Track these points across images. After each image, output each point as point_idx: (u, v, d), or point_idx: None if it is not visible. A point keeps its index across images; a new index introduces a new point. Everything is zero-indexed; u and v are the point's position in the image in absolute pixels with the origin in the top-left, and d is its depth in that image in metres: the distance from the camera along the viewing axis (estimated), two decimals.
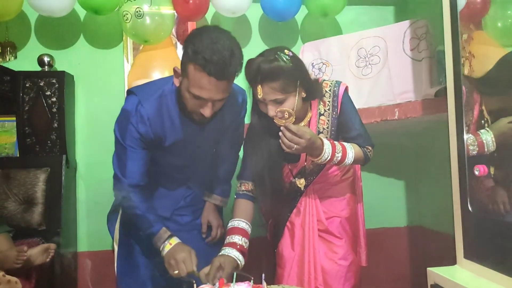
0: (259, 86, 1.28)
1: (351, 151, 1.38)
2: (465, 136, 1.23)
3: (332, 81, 1.46)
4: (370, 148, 1.46)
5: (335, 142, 1.36)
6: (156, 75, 1.87)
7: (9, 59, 1.99)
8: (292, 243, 1.56)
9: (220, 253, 1.34)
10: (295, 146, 1.24)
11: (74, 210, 2.03)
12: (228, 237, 1.40)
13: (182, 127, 1.40)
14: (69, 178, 1.94)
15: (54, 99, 1.87)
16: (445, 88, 1.34)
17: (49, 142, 1.86)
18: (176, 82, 1.31)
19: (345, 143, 1.39)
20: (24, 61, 2.02)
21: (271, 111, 1.31)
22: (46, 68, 1.93)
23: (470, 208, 1.17)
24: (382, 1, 2.39)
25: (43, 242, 1.68)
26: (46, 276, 1.61)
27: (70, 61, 2.08)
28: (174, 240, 1.33)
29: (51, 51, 2.06)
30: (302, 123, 1.43)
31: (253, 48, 2.17)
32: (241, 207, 1.47)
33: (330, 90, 1.43)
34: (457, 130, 1.24)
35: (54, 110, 1.86)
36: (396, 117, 1.78)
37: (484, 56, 1.53)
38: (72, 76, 2.05)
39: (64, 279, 1.78)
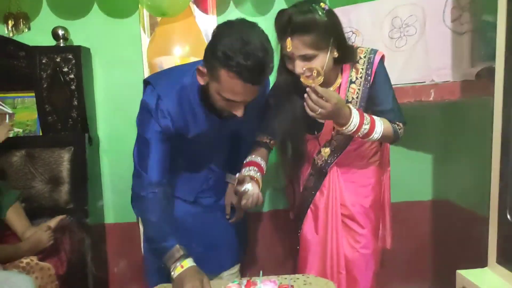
0: (289, 38, 1.21)
1: (381, 124, 1.31)
2: None
3: (368, 48, 1.37)
4: (401, 125, 1.39)
5: (364, 113, 1.29)
6: (177, 50, 1.79)
7: (23, 31, 1.92)
8: (316, 226, 1.57)
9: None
10: (319, 109, 1.17)
11: (100, 185, 2.06)
12: (244, 169, 1.39)
13: (206, 121, 1.36)
14: (93, 154, 1.94)
15: (72, 76, 1.81)
16: (488, 68, 1.22)
17: (70, 120, 1.84)
18: (201, 81, 1.24)
19: (374, 116, 1.32)
20: (38, 32, 1.95)
21: (299, 67, 1.23)
22: (61, 41, 1.85)
23: (509, 217, 1.11)
24: None
25: (71, 219, 1.73)
26: (76, 255, 1.67)
27: (85, 31, 1.98)
28: (187, 263, 1.21)
29: (64, 22, 1.96)
30: (331, 88, 1.35)
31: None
32: (256, 148, 1.46)
33: (365, 57, 1.35)
34: (503, 106, 1.07)
35: (73, 87, 1.82)
36: (431, 98, 1.67)
37: None
38: (89, 49, 1.97)
39: (94, 253, 1.85)
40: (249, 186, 1.29)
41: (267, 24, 2.12)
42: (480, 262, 1.18)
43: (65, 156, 1.80)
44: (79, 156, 1.82)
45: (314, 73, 1.21)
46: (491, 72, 1.17)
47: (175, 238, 1.26)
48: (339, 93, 1.36)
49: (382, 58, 1.37)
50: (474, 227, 1.43)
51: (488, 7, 1.61)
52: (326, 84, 1.31)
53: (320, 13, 1.20)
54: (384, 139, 1.39)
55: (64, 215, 1.50)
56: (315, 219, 1.56)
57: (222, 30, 1.17)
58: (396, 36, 1.87)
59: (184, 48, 1.79)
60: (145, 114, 1.34)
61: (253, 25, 1.18)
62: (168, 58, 1.75)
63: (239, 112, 1.22)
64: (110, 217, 2.12)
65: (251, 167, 1.38)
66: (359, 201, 1.50)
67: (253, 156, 1.43)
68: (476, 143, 1.80)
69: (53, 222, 1.50)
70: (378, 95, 1.37)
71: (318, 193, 1.53)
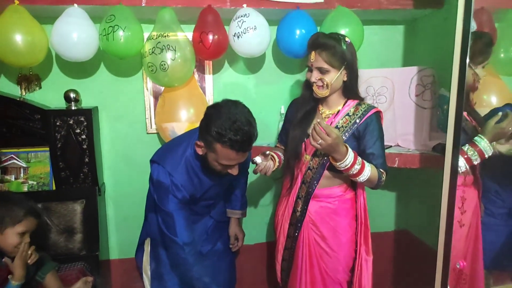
0: (313, 52, 1.55)
1: (369, 170, 1.53)
2: (464, 148, 1.47)
3: (372, 104, 1.67)
4: (384, 174, 1.61)
5: (358, 156, 1.53)
6: (184, 114, 2.02)
7: (34, 90, 2.08)
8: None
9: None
10: (320, 140, 1.40)
11: (106, 226, 2.29)
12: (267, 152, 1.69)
13: (210, 181, 1.66)
14: (100, 200, 2.16)
15: (84, 137, 2.00)
16: (442, 145, 1.55)
17: (81, 174, 2.04)
18: (200, 151, 1.51)
19: (366, 162, 1.55)
20: (48, 91, 2.11)
21: (314, 77, 1.56)
22: (73, 104, 2.03)
23: None
24: (393, 21, 2.44)
25: (86, 267, 1.96)
26: None
27: (93, 89, 2.17)
28: None
29: (73, 81, 2.14)
30: (331, 111, 1.65)
31: (265, 73, 2.30)
32: (275, 149, 1.80)
33: (365, 106, 1.63)
34: (452, 158, 1.39)
35: (85, 146, 2.01)
36: (396, 165, 1.99)
37: (483, 85, 1.73)
38: (97, 107, 2.16)
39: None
40: (258, 159, 1.58)
41: (257, 80, 2.43)
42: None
43: (78, 209, 2.01)
44: (90, 208, 2.03)
45: (324, 83, 1.54)
46: (443, 148, 1.51)
47: (215, 286, 1.64)
48: (336, 116, 1.64)
49: (378, 112, 1.63)
50: (426, 257, 1.74)
51: (445, 85, 1.94)
52: (330, 105, 1.65)
53: (342, 41, 1.54)
54: (368, 183, 1.58)
55: (91, 278, 1.73)
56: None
57: (212, 112, 1.45)
58: (370, 102, 2.18)
59: (189, 111, 2.02)
60: (163, 191, 1.60)
61: (237, 103, 1.47)
62: (178, 124, 1.98)
63: (234, 171, 1.52)
64: (114, 253, 2.36)
65: (267, 151, 1.67)
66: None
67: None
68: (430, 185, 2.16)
69: (77, 285, 1.73)
70: (368, 139, 1.59)
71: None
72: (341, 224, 1.70)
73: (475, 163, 1.46)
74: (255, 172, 1.60)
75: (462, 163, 1.47)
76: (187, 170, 1.62)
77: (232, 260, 2.09)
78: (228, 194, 1.99)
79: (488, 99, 1.77)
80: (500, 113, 1.45)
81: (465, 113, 1.39)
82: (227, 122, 1.38)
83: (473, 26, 1.50)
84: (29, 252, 1.55)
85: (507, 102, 1.65)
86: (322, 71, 1.55)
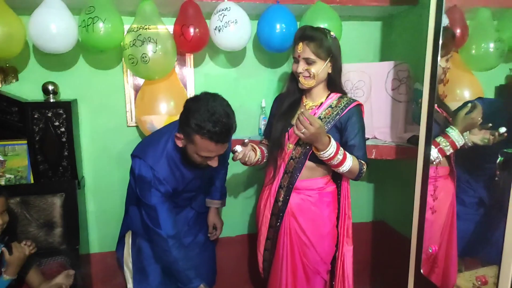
0: (301, 43, 1.60)
1: (350, 160, 1.58)
2: (438, 139, 1.54)
3: (353, 98, 1.71)
4: (365, 165, 1.66)
5: (340, 146, 1.59)
6: (163, 107, 2.02)
7: (11, 82, 2.04)
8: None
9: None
10: (303, 129, 1.46)
11: (86, 220, 2.27)
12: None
13: (191, 174, 1.69)
14: (80, 194, 2.14)
15: (63, 129, 1.98)
16: (417, 138, 1.62)
17: (61, 168, 2.02)
18: (179, 143, 1.54)
19: (348, 153, 1.60)
20: (25, 83, 2.08)
21: (300, 67, 1.61)
22: (51, 96, 2.00)
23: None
24: (370, 17, 2.50)
25: (67, 261, 1.95)
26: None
27: (72, 82, 2.14)
28: None
29: (51, 73, 2.11)
30: (315, 103, 1.70)
31: (246, 67, 2.32)
32: (260, 144, 1.86)
33: (347, 99, 1.68)
34: (425, 149, 1.50)
35: (64, 139, 1.99)
36: (373, 156, 2.05)
37: (456, 80, 1.81)
38: (76, 100, 2.14)
39: (82, 281, 2.08)
40: (238, 148, 1.61)
41: (238, 73, 2.45)
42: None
43: (57, 202, 1.99)
44: (70, 201, 2.02)
45: (310, 74, 1.59)
46: (418, 140, 1.58)
47: (199, 279, 1.66)
48: (319, 107, 1.68)
49: (359, 105, 1.69)
50: (402, 246, 1.83)
51: (420, 79, 2.01)
52: (313, 97, 1.70)
53: (328, 35, 1.61)
54: (349, 174, 1.62)
55: (73, 272, 1.73)
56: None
57: (191, 105, 1.47)
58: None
59: (169, 104, 2.02)
60: (145, 185, 1.61)
61: (215, 96, 1.50)
62: (157, 117, 1.98)
63: (214, 163, 1.55)
64: (94, 247, 2.34)
65: (246, 140, 1.65)
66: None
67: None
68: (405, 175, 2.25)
69: (60, 277, 1.73)
70: (350, 131, 1.64)
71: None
72: (321, 217, 1.74)
73: (448, 153, 1.53)
74: (234, 159, 1.62)
75: (436, 154, 1.53)
76: (169, 164, 1.63)
77: (213, 251, 2.12)
78: (208, 185, 2.01)
79: (461, 94, 1.85)
80: (469, 105, 1.52)
81: (435, 106, 1.45)
82: (206, 114, 1.41)
83: (445, 22, 1.57)
84: (28, 244, 1.61)
85: (479, 96, 1.73)
86: (309, 61, 1.60)
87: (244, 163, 1.66)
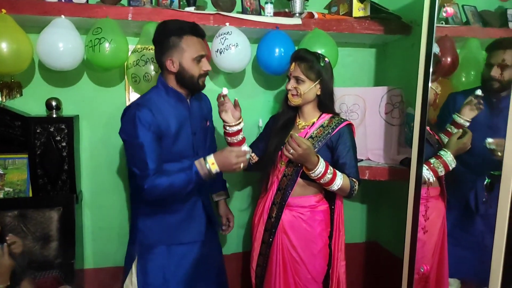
0: (294, 63, 1.73)
1: (340, 179, 1.64)
2: (431, 161, 1.60)
3: (344, 118, 1.78)
4: (357, 183, 1.71)
5: (329, 165, 1.64)
6: None
7: (15, 97, 2.08)
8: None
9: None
10: (292, 150, 1.55)
11: (82, 234, 2.28)
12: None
13: (178, 109, 1.64)
14: (78, 211, 2.16)
15: (64, 144, 2.02)
16: (409, 160, 1.68)
17: (60, 182, 2.04)
18: (173, 68, 1.58)
19: (338, 171, 1.66)
20: (29, 98, 2.13)
21: (290, 85, 1.72)
22: (54, 112, 2.05)
23: None
24: (365, 44, 2.60)
25: (61, 275, 1.95)
26: None
27: (75, 98, 2.19)
28: (210, 159, 1.52)
29: (56, 89, 2.16)
30: (307, 122, 1.78)
31: (245, 88, 2.39)
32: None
33: (338, 119, 1.75)
34: (417, 170, 1.58)
35: (64, 154, 2.02)
36: (366, 177, 2.11)
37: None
38: (78, 116, 2.18)
39: None
40: (225, 91, 1.73)
41: (237, 94, 2.52)
42: None
43: (55, 216, 2.01)
44: (67, 215, 2.03)
45: (298, 92, 1.69)
46: (410, 162, 1.65)
47: (187, 162, 1.57)
48: (311, 127, 1.75)
49: (350, 125, 1.76)
50: (394, 267, 1.86)
51: (412, 104, 2.09)
52: (306, 117, 1.78)
53: (321, 59, 1.71)
54: (341, 192, 1.68)
55: (69, 287, 1.73)
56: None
57: (160, 26, 1.62)
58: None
59: None
60: (131, 123, 1.52)
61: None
62: None
63: (207, 66, 1.63)
64: (89, 263, 2.34)
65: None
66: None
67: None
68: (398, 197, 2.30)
69: None
70: (341, 149, 1.71)
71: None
72: (312, 234, 1.77)
73: (441, 174, 1.60)
74: (218, 97, 1.74)
75: (429, 175, 1.60)
76: (155, 102, 1.58)
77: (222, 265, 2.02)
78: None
79: None
80: (461, 130, 1.60)
81: (428, 128, 1.52)
82: (175, 22, 1.61)
83: (436, 50, 1.66)
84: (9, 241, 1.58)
85: None
86: (298, 80, 1.70)
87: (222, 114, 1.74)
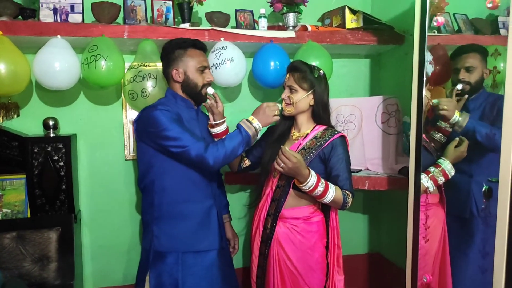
0: (289, 73, 1.76)
1: (333, 191, 1.63)
2: (431, 169, 1.60)
3: (337, 130, 1.78)
4: (350, 195, 1.69)
5: (321, 177, 1.64)
6: None
7: (12, 118, 2.09)
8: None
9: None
10: (282, 164, 1.57)
11: (81, 254, 2.25)
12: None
13: (186, 111, 1.74)
14: (76, 228, 2.14)
15: (61, 163, 2.01)
16: (408, 168, 1.68)
17: (58, 202, 2.03)
18: (178, 78, 1.72)
19: (330, 184, 1.65)
20: (27, 118, 2.13)
21: (284, 94, 1.75)
22: (51, 131, 2.05)
23: None
24: (359, 55, 2.63)
25: None
26: None
27: (72, 117, 2.20)
28: (251, 118, 1.68)
29: (53, 108, 2.17)
30: (300, 134, 1.79)
31: (241, 102, 2.40)
32: None
33: (331, 131, 1.75)
34: (415, 179, 1.58)
35: (62, 173, 2.02)
36: (366, 187, 2.10)
37: None
38: (75, 135, 2.18)
39: None
40: (210, 90, 1.77)
41: (234, 109, 2.52)
42: None
43: (53, 237, 1.99)
44: (66, 235, 2.01)
45: (290, 101, 1.71)
46: (409, 171, 1.64)
47: (237, 129, 1.67)
48: (304, 138, 1.75)
49: (343, 137, 1.75)
50: (397, 279, 1.83)
51: (408, 112, 2.10)
52: (300, 128, 1.79)
53: (315, 71, 1.74)
54: (334, 204, 1.68)
55: None
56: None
57: (166, 43, 1.77)
58: (340, 129, 2.31)
59: None
60: (157, 118, 1.59)
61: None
62: None
63: (210, 76, 1.76)
64: (89, 283, 2.31)
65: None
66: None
67: None
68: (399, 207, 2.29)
69: None
70: (334, 161, 1.70)
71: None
72: (308, 246, 1.76)
73: (440, 182, 1.59)
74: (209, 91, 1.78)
75: (429, 184, 1.60)
76: (167, 103, 1.71)
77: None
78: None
79: None
80: (457, 139, 1.60)
81: (424, 136, 1.53)
82: (180, 39, 1.77)
83: (429, 59, 1.67)
84: None
85: None
86: (291, 89, 1.73)
87: (212, 113, 1.79)
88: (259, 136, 2.24)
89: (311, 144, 1.73)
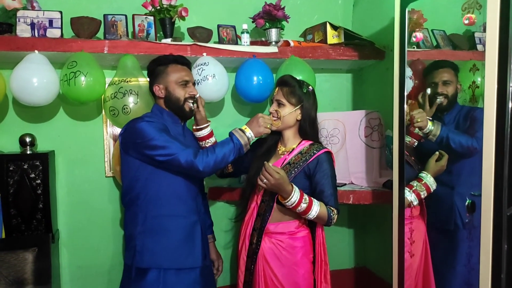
0: (278, 87, 1.76)
1: (317, 207, 1.61)
2: (413, 184, 1.60)
3: (323, 146, 1.77)
4: (335, 211, 1.66)
5: (304, 194, 1.61)
6: None
7: None
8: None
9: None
10: (265, 180, 1.55)
11: (58, 276, 2.17)
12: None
13: (172, 126, 1.71)
14: (55, 250, 2.06)
15: (38, 181, 1.95)
16: (392, 182, 1.68)
17: (34, 221, 1.96)
18: (160, 93, 1.70)
19: (314, 200, 1.62)
20: (3, 135, 2.07)
21: (272, 108, 1.75)
22: (28, 148, 1.99)
23: None
24: (342, 69, 2.66)
25: None
26: None
27: (50, 134, 2.14)
28: (244, 127, 1.67)
29: (30, 125, 2.11)
30: (286, 148, 1.77)
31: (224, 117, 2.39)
32: None
33: (317, 146, 1.74)
34: (399, 193, 1.59)
35: (39, 191, 1.95)
36: (350, 202, 2.10)
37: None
38: (53, 151, 2.12)
39: None
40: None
41: (217, 124, 2.50)
42: None
43: (29, 258, 1.90)
44: (43, 256, 1.93)
45: (277, 115, 1.71)
46: (392, 184, 1.64)
47: (229, 137, 1.67)
48: (289, 154, 1.73)
49: (328, 152, 1.74)
50: None
51: (390, 126, 2.12)
52: (286, 143, 1.79)
53: (304, 87, 1.73)
54: (319, 220, 1.65)
55: None
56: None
57: (151, 61, 1.74)
58: (324, 143, 2.30)
59: None
60: (144, 129, 1.56)
61: None
62: None
63: (193, 91, 1.73)
64: None
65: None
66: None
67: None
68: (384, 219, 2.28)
69: None
70: (318, 177, 1.68)
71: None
72: (293, 262, 1.73)
73: (423, 196, 1.60)
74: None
75: (413, 198, 1.61)
76: (153, 116, 1.69)
77: None
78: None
79: None
80: (437, 153, 1.62)
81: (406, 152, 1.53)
82: (164, 55, 1.77)
83: (409, 74, 1.70)
84: None
85: None
86: (279, 103, 1.73)
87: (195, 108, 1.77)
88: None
89: (296, 159, 1.72)
